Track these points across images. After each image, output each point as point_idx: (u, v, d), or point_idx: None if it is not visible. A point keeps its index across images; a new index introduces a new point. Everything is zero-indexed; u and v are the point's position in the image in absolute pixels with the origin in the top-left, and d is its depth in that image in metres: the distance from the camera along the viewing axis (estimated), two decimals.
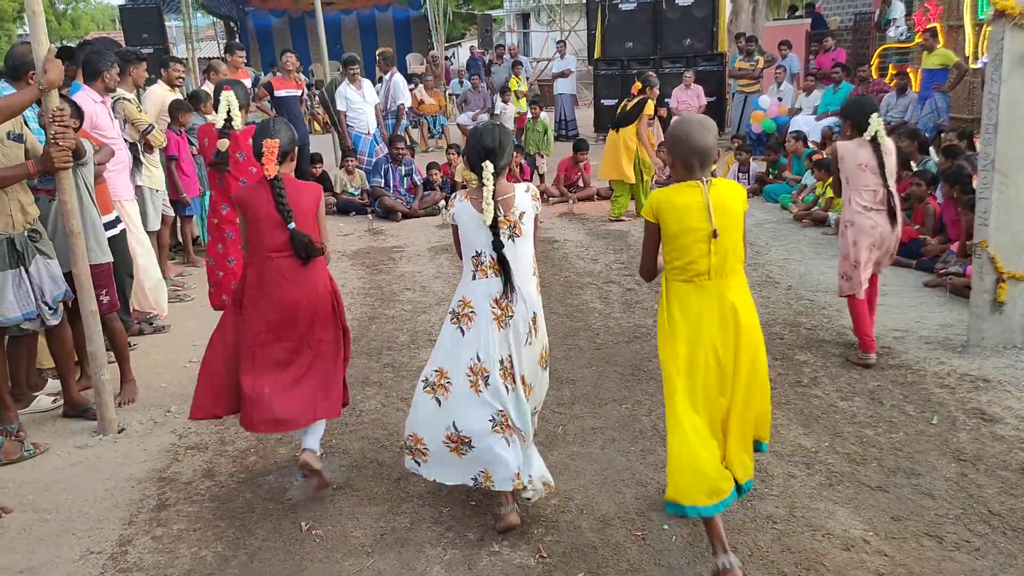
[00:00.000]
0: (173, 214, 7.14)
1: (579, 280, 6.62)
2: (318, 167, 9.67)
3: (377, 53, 11.85)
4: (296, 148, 3.55)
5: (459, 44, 29.90)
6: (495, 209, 3.04)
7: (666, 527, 3.18)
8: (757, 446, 3.03)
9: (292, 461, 3.82)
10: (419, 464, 3.25)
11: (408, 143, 10.47)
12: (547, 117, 12.29)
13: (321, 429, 3.51)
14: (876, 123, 4.52)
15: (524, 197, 3.17)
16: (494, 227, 3.06)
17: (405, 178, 9.84)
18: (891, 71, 11.50)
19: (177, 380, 4.92)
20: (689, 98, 12.75)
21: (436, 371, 3.20)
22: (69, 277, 4.11)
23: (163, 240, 6.85)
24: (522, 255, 3.16)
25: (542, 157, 10.88)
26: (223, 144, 4.28)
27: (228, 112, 4.31)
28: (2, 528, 3.40)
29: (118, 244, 4.80)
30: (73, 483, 3.74)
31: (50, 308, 4.11)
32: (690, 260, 2.82)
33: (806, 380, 4.50)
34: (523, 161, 10.34)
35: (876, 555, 2.97)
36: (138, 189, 6.08)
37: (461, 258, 3.23)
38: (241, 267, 3.74)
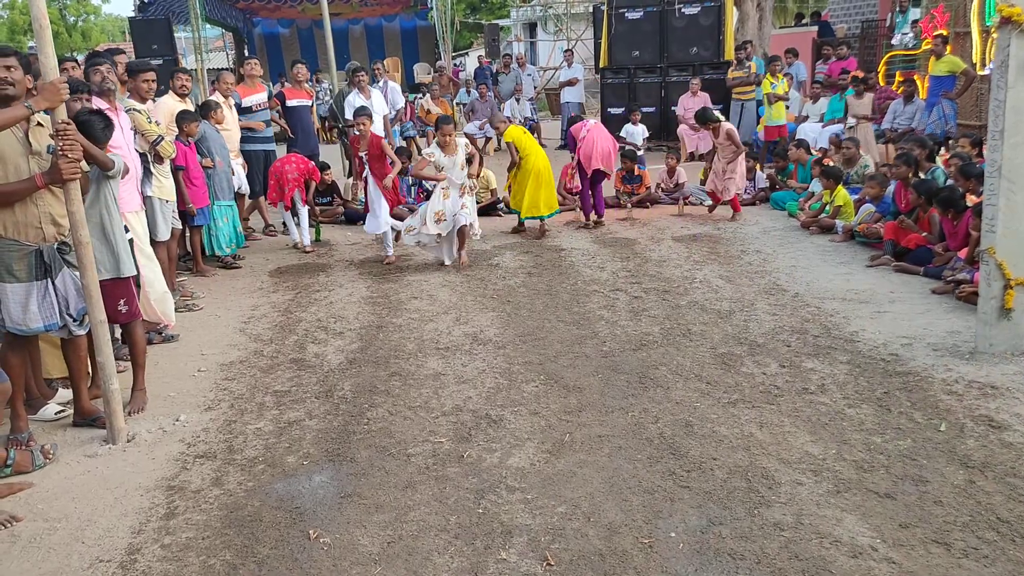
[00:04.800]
0: (180, 226, 7.17)
1: (586, 288, 6.63)
2: (327, 175, 9.71)
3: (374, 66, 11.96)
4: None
5: (466, 53, 30.01)
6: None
7: (673, 535, 3.19)
8: (551, 212, 8.47)
9: (300, 469, 3.85)
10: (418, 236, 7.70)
11: (410, 154, 10.53)
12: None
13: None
14: None
15: (461, 141, 7.65)
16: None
17: (412, 187, 9.87)
18: (898, 78, 11.50)
19: (186, 389, 4.94)
20: (695, 105, 12.71)
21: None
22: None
23: (171, 252, 6.86)
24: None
25: None
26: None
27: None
28: (12, 537, 3.42)
29: None
30: (82, 492, 3.77)
31: (75, 320, 4.14)
32: (526, 152, 8.19)
33: (813, 387, 4.49)
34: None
35: (884, 562, 2.96)
36: (148, 200, 6.12)
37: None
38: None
